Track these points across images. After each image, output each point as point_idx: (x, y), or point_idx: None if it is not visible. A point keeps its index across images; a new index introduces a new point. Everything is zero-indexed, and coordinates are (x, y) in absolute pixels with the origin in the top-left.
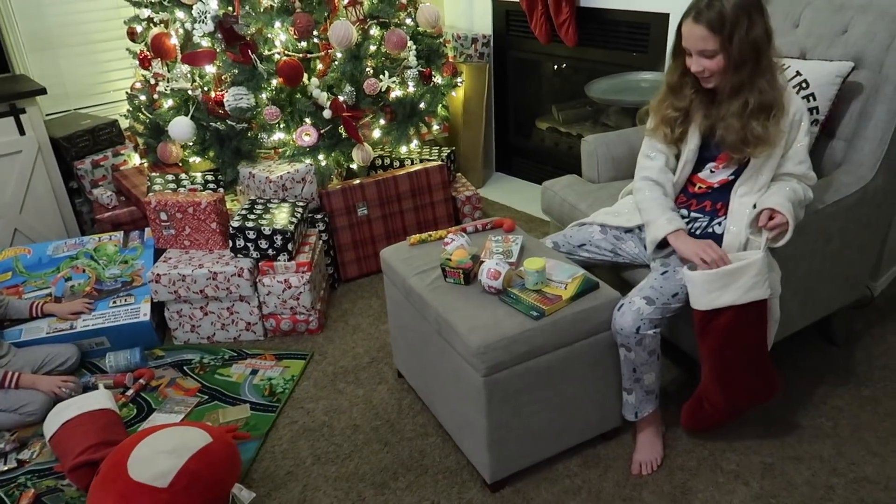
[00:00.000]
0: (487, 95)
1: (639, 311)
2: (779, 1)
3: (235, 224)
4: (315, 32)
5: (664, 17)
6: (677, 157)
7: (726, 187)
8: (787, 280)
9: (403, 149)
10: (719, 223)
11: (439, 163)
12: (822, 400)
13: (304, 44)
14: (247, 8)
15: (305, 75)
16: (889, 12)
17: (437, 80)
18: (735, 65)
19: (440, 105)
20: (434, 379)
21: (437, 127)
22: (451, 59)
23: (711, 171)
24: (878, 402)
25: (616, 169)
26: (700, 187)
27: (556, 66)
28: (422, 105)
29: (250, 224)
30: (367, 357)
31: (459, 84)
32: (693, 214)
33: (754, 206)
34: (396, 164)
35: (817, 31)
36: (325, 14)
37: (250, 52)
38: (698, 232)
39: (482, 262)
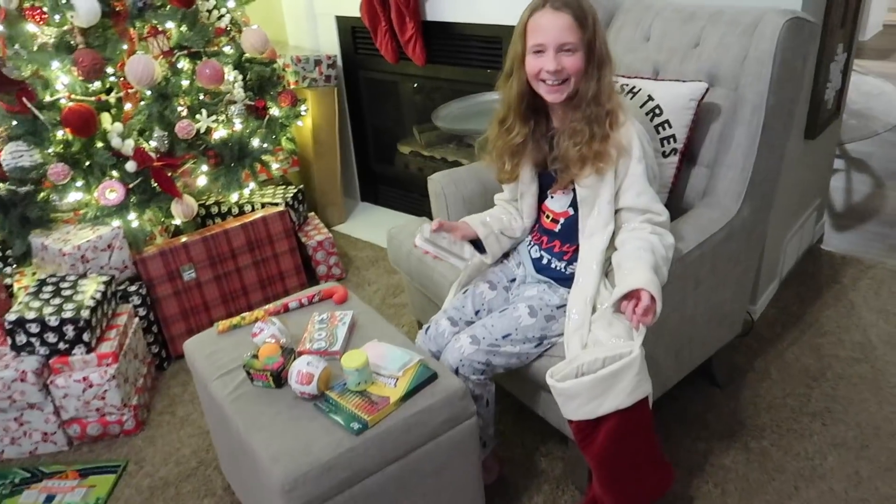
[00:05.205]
0: (340, 121)
1: (461, 350)
2: (628, 12)
3: (12, 317)
4: (110, 70)
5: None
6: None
7: (572, 225)
8: (659, 338)
9: (235, 196)
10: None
11: (280, 209)
12: (707, 460)
13: (96, 84)
14: (15, 48)
15: (108, 120)
16: (740, 21)
17: (274, 111)
18: (597, 66)
19: (284, 138)
20: (254, 499)
21: (278, 165)
22: (291, 86)
23: (552, 197)
24: (766, 456)
25: (468, 209)
26: (548, 216)
27: (414, 85)
28: (255, 143)
29: (31, 315)
30: (195, 460)
31: (303, 113)
32: (542, 253)
33: (609, 263)
34: (235, 211)
35: (668, 45)
36: (120, 49)
37: (26, 100)
38: (554, 266)
39: (297, 355)
